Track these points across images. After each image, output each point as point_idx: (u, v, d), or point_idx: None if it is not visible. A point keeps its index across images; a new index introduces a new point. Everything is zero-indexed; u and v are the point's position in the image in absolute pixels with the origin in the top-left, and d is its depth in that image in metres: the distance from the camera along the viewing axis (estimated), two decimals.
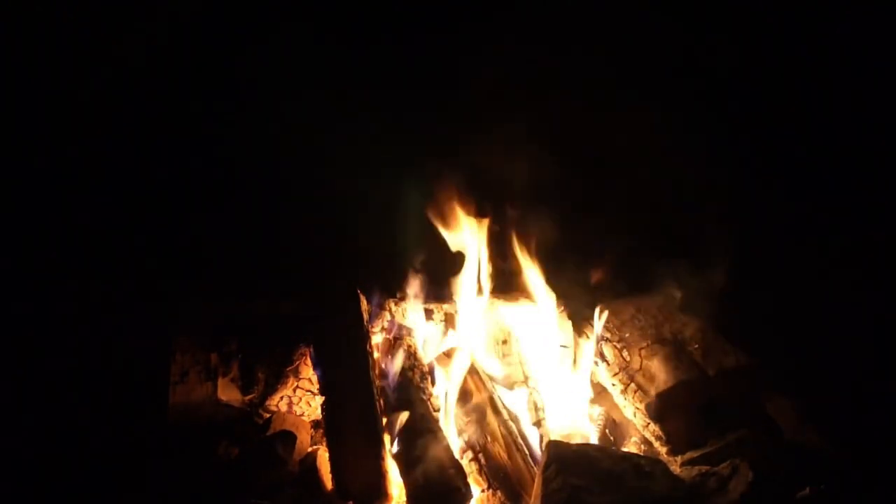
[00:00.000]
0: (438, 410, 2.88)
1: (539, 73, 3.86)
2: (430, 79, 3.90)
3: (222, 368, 3.11)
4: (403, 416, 2.72)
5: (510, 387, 3.17)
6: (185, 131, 3.76)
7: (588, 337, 3.29)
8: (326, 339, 2.93)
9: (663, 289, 3.29)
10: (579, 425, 3.07)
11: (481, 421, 2.82)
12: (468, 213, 3.35)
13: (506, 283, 3.42)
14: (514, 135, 3.71)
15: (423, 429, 2.69)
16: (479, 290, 3.31)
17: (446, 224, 3.36)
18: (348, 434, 2.69)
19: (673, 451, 2.84)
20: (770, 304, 3.21)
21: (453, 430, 2.87)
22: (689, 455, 2.78)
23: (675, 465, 2.78)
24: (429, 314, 3.36)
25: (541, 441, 2.88)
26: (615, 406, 3.17)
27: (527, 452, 2.73)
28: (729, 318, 3.10)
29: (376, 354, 3.03)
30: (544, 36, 3.89)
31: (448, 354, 3.08)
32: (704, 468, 2.61)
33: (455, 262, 3.34)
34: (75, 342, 3.11)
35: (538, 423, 3.00)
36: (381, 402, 2.81)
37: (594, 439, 3.07)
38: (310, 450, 2.96)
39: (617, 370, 3.11)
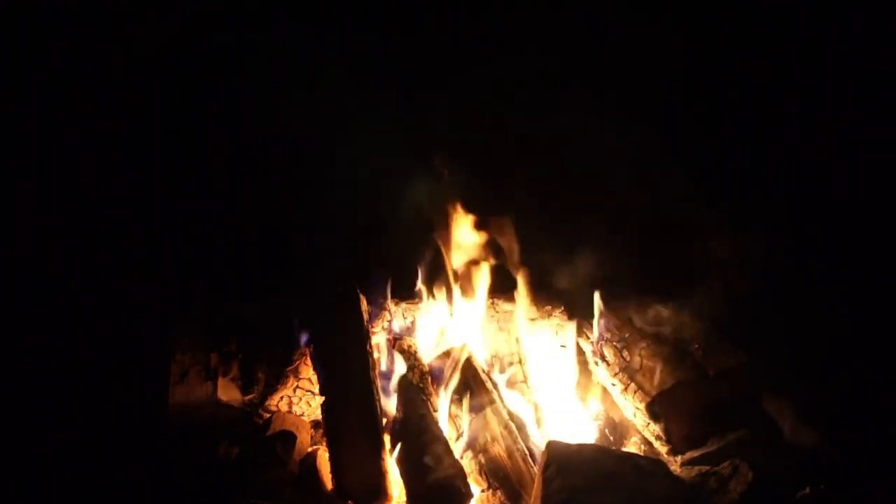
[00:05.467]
0: (438, 410, 2.88)
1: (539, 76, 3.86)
2: (433, 78, 3.90)
3: (222, 368, 3.11)
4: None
5: (510, 387, 3.17)
6: (185, 131, 3.76)
7: (588, 337, 3.29)
8: (326, 339, 2.94)
9: (663, 288, 3.29)
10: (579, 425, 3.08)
11: (481, 421, 2.82)
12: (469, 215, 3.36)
13: (506, 283, 3.42)
14: (514, 134, 3.72)
15: (423, 429, 2.69)
16: (480, 291, 3.32)
17: (450, 227, 3.37)
18: (348, 434, 2.69)
19: (673, 451, 2.84)
20: (770, 303, 3.21)
21: (453, 431, 2.87)
22: (689, 455, 2.78)
23: (675, 465, 2.78)
24: (429, 314, 3.36)
25: (541, 441, 2.88)
26: (615, 406, 3.17)
27: (527, 452, 2.72)
28: (729, 318, 3.09)
29: (376, 354, 3.03)
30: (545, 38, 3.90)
31: (448, 354, 3.08)
32: (704, 468, 2.61)
33: (455, 262, 3.34)
34: (76, 342, 3.12)
35: (538, 423, 3.01)
36: (381, 402, 2.81)
37: (594, 439, 3.07)
38: (310, 450, 2.96)
39: (617, 370, 3.10)
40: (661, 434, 2.87)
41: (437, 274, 3.37)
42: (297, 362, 3.13)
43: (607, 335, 3.20)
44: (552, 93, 3.85)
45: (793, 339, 3.00)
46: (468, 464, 2.71)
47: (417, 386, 2.91)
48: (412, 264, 3.39)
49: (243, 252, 3.57)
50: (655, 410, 2.89)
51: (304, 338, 3.13)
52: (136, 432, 2.88)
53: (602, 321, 3.23)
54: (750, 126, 3.73)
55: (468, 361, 3.02)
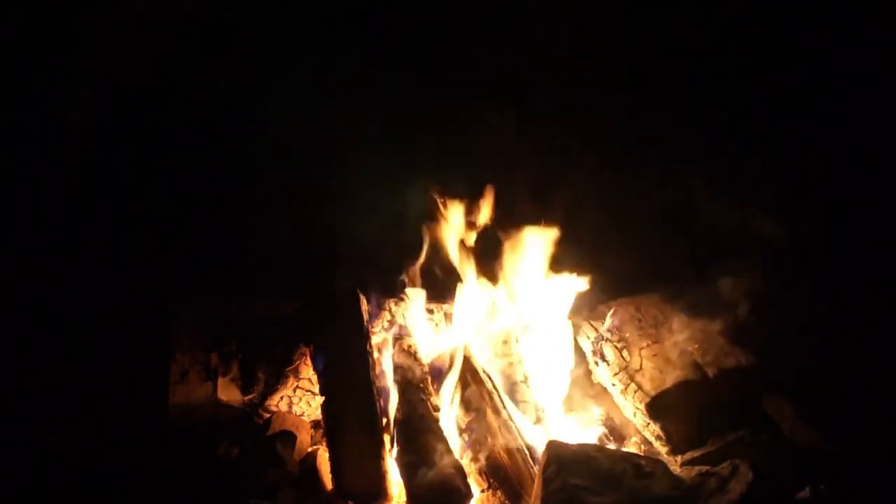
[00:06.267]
0: (438, 410, 2.88)
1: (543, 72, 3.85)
2: (433, 78, 3.90)
3: (222, 368, 3.11)
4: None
5: (510, 387, 3.17)
6: (184, 131, 3.76)
7: (588, 337, 3.29)
8: (326, 339, 2.94)
9: (664, 288, 3.29)
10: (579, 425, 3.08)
11: (481, 421, 2.82)
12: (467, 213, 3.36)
13: (506, 282, 3.41)
14: (513, 132, 3.72)
15: (423, 429, 2.69)
16: (480, 291, 3.31)
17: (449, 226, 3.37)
18: (348, 434, 2.69)
19: (673, 451, 2.84)
20: (770, 304, 3.21)
21: (453, 430, 2.87)
22: (689, 455, 2.78)
23: (675, 465, 2.78)
24: (429, 314, 3.36)
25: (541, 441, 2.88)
26: (615, 406, 3.17)
27: (527, 452, 2.72)
28: (729, 318, 3.09)
29: (376, 354, 3.03)
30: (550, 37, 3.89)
31: (448, 355, 3.08)
32: (704, 468, 2.61)
33: (456, 262, 3.34)
34: (75, 342, 3.12)
35: (538, 423, 3.01)
36: (381, 402, 2.81)
37: (594, 439, 3.07)
38: (310, 450, 2.96)
39: (617, 370, 3.10)
40: (661, 434, 2.88)
41: (440, 274, 3.37)
42: (297, 362, 3.13)
43: (607, 335, 3.20)
44: (557, 89, 3.85)
45: (792, 339, 3.00)
46: (468, 464, 2.71)
47: (417, 386, 2.91)
48: (412, 265, 3.39)
49: (244, 252, 3.57)
50: (655, 410, 2.89)
51: (304, 339, 3.13)
52: (136, 432, 2.88)
53: (608, 322, 3.22)
54: (757, 123, 3.72)
55: (468, 361, 3.01)
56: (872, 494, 2.35)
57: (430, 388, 2.96)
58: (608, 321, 3.21)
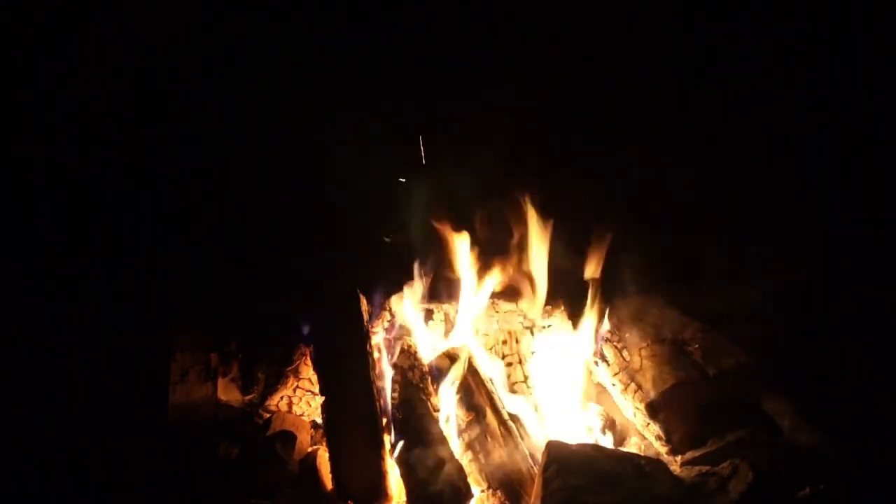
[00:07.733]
0: (438, 410, 2.88)
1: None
2: (433, 76, 3.89)
3: (222, 368, 3.11)
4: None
5: (510, 387, 3.17)
6: (183, 131, 3.76)
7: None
8: (326, 339, 2.94)
9: (664, 289, 3.29)
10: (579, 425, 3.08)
11: (481, 421, 2.82)
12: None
13: (507, 282, 3.41)
14: (516, 129, 3.72)
15: (423, 429, 2.69)
16: (480, 291, 3.31)
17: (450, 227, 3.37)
18: (348, 434, 2.69)
19: (673, 451, 2.84)
20: (770, 303, 3.21)
21: (453, 430, 2.87)
22: (689, 455, 2.78)
23: (675, 465, 2.78)
24: (429, 314, 3.35)
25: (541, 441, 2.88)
26: (615, 406, 3.17)
27: (527, 452, 2.72)
28: (729, 319, 3.09)
29: (376, 354, 3.03)
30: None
31: (448, 354, 3.08)
32: (704, 468, 2.61)
33: (455, 262, 3.34)
34: (76, 342, 3.12)
35: (538, 423, 3.01)
36: (381, 402, 2.81)
37: (594, 439, 3.07)
38: (310, 450, 2.96)
39: (617, 370, 3.10)
40: (661, 434, 2.87)
41: (440, 274, 3.37)
42: (297, 362, 3.13)
43: (607, 335, 3.20)
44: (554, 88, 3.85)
45: (792, 339, 3.00)
46: (468, 464, 2.71)
47: (417, 386, 2.91)
48: (413, 264, 3.39)
49: (243, 252, 3.57)
50: (655, 410, 2.89)
51: (304, 337, 3.13)
52: (136, 432, 2.88)
53: (605, 321, 3.22)
54: (757, 130, 3.71)
55: (468, 361, 3.01)
56: (872, 494, 2.35)
57: (430, 388, 2.96)
58: (603, 326, 3.21)
